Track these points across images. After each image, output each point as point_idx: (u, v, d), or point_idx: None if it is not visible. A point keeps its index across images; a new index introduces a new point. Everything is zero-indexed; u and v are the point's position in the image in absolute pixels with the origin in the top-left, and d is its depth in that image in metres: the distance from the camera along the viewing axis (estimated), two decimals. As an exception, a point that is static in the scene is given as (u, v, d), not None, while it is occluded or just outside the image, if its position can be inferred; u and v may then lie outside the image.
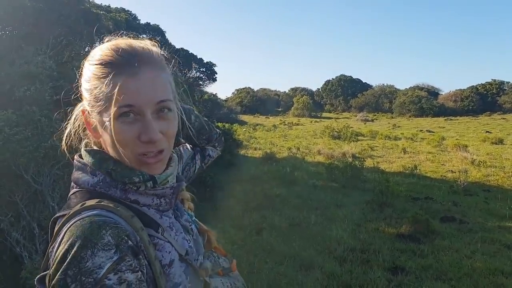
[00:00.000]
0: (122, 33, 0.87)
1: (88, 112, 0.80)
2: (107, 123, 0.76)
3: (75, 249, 0.65)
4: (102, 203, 0.74)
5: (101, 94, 0.76)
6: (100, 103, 0.77)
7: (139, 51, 0.79)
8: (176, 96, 0.86)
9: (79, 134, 0.88)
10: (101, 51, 0.80)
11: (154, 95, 0.77)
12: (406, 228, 6.09)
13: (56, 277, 0.64)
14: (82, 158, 0.83)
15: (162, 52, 0.85)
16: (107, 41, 0.84)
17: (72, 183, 0.82)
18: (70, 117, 0.89)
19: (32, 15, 5.91)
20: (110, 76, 0.75)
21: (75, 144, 0.88)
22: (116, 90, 0.74)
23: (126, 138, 0.76)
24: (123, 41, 0.82)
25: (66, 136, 0.89)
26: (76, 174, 0.81)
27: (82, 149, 0.85)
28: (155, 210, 0.82)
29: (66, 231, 0.69)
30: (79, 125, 0.88)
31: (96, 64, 0.79)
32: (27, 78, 4.19)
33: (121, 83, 0.74)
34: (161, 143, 0.78)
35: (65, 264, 0.64)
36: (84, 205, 0.74)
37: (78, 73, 0.85)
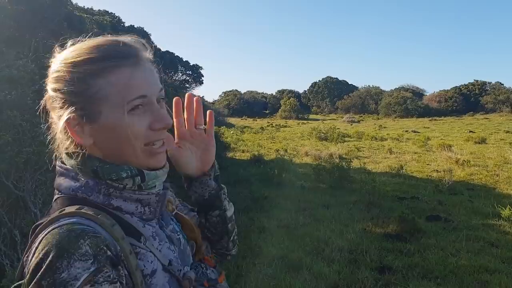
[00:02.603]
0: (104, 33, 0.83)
1: (80, 117, 0.74)
2: (113, 120, 0.74)
3: (50, 258, 0.62)
4: (81, 210, 0.71)
5: (106, 91, 0.73)
6: (103, 100, 0.73)
7: (131, 42, 0.79)
8: None
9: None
10: (91, 49, 0.75)
11: (157, 82, 0.79)
12: (393, 228, 6.15)
13: (30, 287, 0.62)
14: (65, 164, 0.79)
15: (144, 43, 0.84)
16: (72, 44, 0.79)
17: (55, 190, 0.79)
18: (55, 128, 0.80)
19: (13, 18, 5.78)
20: (116, 69, 0.74)
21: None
22: (128, 81, 0.73)
23: (139, 130, 0.75)
24: (106, 38, 0.79)
25: (52, 139, 0.83)
26: (58, 180, 0.78)
27: (63, 153, 0.80)
28: (138, 218, 0.79)
29: (42, 239, 0.66)
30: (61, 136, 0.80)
31: (91, 62, 0.74)
32: (8, 82, 4.11)
33: (130, 74, 0.74)
34: (165, 132, 0.81)
35: (40, 274, 0.61)
36: (63, 212, 0.71)
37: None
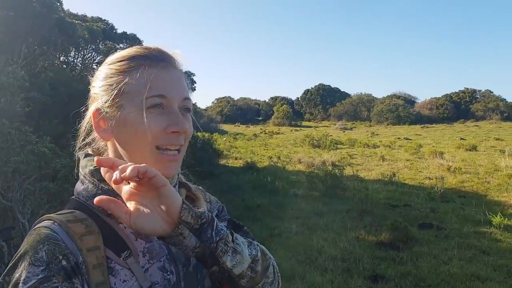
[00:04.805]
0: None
1: (104, 110, 0.78)
2: (132, 114, 0.75)
3: (16, 257, 0.66)
4: (57, 216, 0.72)
5: (128, 86, 0.76)
6: (125, 95, 0.76)
7: (168, 52, 0.82)
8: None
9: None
10: (125, 52, 0.82)
11: (182, 90, 0.79)
12: (386, 236, 6.15)
13: (0, 279, 0.67)
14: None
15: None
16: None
17: None
18: (83, 121, 0.86)
19: (2, 24, 5.71)
20: (141, 68, 0.76)
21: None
22: (151, 78, 0.75)
23: (154, 129, 0.74)
24: (146, 45, 0.84)
25: (81, 141, 0.86)
26: (77, 183, 0.81)
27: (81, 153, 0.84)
28: (133, 229, 0.75)
29: (25, 238, 0.71)
30: (85, 129, 0.86)
31: (122, 61, 0.79)
32: (-3, 90, 4.04)
33: (155, 74, 0.76)
34: (181, 139, 0.78)
35: (7, 269, 0.66)
36: (45, 215, 0.74)
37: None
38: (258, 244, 0.87)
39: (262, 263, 0.83)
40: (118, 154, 0.79)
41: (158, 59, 0.78)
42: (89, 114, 0.82)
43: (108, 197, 0.68)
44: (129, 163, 0.66)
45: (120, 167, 0.64)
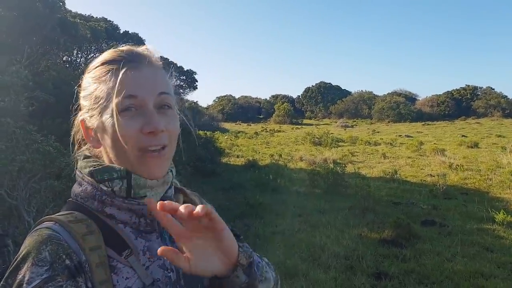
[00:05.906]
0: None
1: (88, 119, 0.79)
2: (108, 120, 0.74)
3: (18, 259, 0.66)
4: (58, 216, 0.73)
5: (102, 92, 0.76)
6: (100, 102, 0.76)
7: (139, 50, 0.81)
8: (176, 103, 0.84)
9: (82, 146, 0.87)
10: (99, 58, 0.82)
11: (155, 86, 0.77)
12: (389, 233, 6.15)
13: (1, 282, 0.66)
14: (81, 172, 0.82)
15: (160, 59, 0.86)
16: None
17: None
18: (72, 129, 0.87)
19: (5, 24, 5.72)
20: (111, 72, 0.76)
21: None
22: (117, 81, 0.74)
23: (129, 132, 0.73)
24: (118, 47, 0.84)
25: (73, 149, 0.88)
26: (74, 185, 0.82)
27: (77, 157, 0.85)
28: (132, 229, 0.77)
29: (25, 240, 0.71)
30: (79, 137, 0.86)
31: (95, 68, 0.80)
32: (1, 89, 4.06)
33: (122, 75, 0.75)
34: (163, 137, 0.76)
35: (8, 272, 0.66)
36: (46, 217, 0.75)
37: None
38: (265, 259, 0.89)
39: (278, 281, 0.87)
40: (110, 159, 0.79)
41: (127, 60, 0.77)
42: (77, 121, 0.84)
43: (172, 248, 0.65)
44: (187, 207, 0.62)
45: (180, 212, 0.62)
